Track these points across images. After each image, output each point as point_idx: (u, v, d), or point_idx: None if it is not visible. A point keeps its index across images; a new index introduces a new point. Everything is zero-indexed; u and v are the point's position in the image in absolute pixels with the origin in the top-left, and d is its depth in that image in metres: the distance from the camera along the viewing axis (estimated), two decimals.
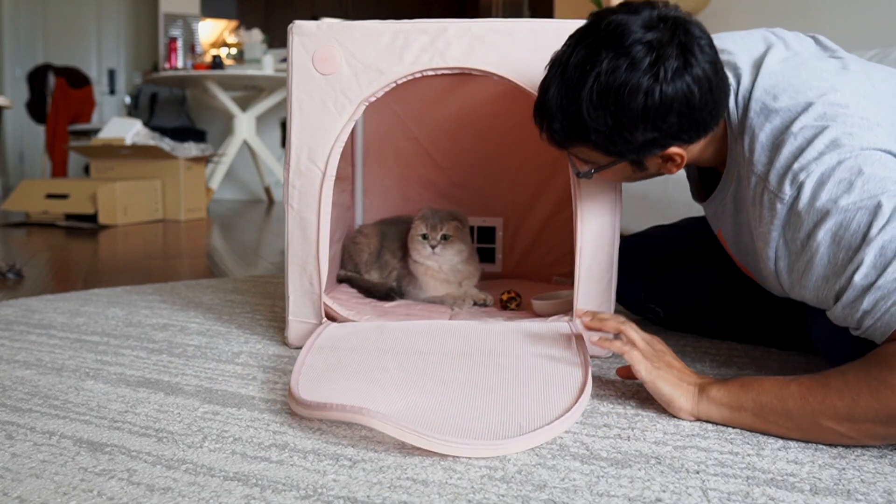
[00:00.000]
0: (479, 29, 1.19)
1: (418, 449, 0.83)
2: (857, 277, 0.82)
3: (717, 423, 0.91)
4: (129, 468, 0.78)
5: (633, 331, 1.00)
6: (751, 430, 0.89)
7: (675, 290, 1.41)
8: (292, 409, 0.94)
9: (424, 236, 1.46)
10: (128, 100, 6.11)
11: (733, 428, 0.90)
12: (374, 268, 1.59)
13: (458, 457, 0.81)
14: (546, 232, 1.76)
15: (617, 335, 1.03)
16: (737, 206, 1.02)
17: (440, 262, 1.48)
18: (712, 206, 1.10)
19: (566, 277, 1.69)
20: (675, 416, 0.94)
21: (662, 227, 1.55)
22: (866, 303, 0.82)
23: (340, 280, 1.61)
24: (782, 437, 0.87)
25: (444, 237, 1.46)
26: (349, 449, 0.84)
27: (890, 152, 0.85)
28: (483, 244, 1.80)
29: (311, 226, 1.23)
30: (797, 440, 0.86)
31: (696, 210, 1.29)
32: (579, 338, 1.13)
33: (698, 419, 0.93)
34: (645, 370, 0.95)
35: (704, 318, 1.37)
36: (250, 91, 5.64)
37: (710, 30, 0.96)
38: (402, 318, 1.33)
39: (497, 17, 6.14)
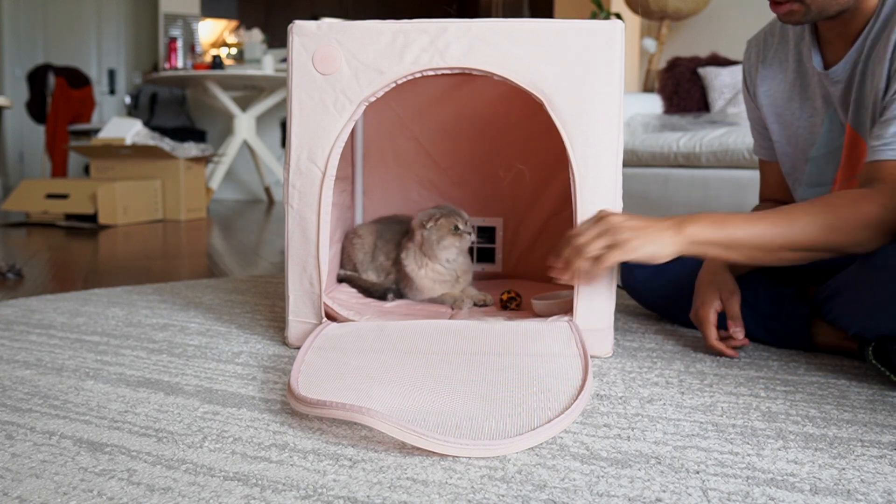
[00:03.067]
0: (479, 29, 1.19)
1: (418, 449, 0.83)
2: None
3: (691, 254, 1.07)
4: (129, 468, 0.78)
5: (588, 241, 1.09)
6: (715, 257, 1.08)
7: (677, 287, 1.41)
8: (291, 406, 0.94)
9: (457, 228, 1.46)
10: (128, 100, 6.11)
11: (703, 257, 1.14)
12: (371, 268, 1.59)
13: (457, 457, 0.81)
14: (546, 232, 1.76)
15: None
16: (869, 52, 1.10)
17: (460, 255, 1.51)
18: (843, 69, 1.15)
19: None
20: (675, 415, 0.94)
21: None
22: None
23: (340, 280, 1.61)
24: (739, 262, 1.12)
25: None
26: (349, 449, 0.84)
27: None
28: (483, 244, 1.80)
29: (311, 226, 1.23)
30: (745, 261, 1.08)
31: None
32: (579, 337, 1.13)
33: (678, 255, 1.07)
34: (626, 255, 1.06)
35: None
36: (250, 91, 5.64)
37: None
38: (402, 318, 1.33)
39: (497, 17, 6.14)
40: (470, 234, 1.47)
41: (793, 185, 1.34)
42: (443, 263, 1.48)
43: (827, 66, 1.19)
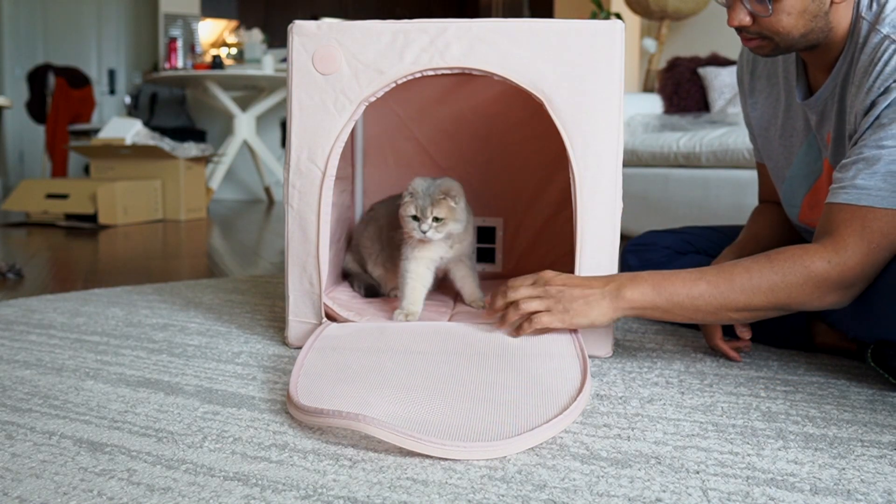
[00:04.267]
0: (479, 29, 1.19)
1: None
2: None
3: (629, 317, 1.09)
4: (129, 468, 0.78)
5: (524, 298, 1.09)
6: (656, 320, 1.07)
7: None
8: (290, 413, 0.94)
9: (415, 217, 1.31)
10: (128, 100, 6.11)
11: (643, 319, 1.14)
12: (380, 259, 1.55)
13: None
14: (546, 232, 1.76)
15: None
16: (843, 86, 1.08)
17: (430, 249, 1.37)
18: (819, 100, 1.13)
19: None
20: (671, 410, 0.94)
21: (658, 232, 1.54)
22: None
23: (345, 273, 1.60)
24: (680, 324, 1.19)
25: (437, 219, 1.31)
26: (349, 449, 0.84)
27: None
28: (483, 244, 1.80)
29: (311, 226, 1.23)
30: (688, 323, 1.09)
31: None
32: (578, 338, 1.13)
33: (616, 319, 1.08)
34: (561, 323, 1.05)
35: None
36: (250, 91, 5.64)
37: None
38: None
39: (497, 17, 6.14)
40: (425, 233, 1.29)
41: (780, 197, 1.33)
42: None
43: (811, 90, 1.17)
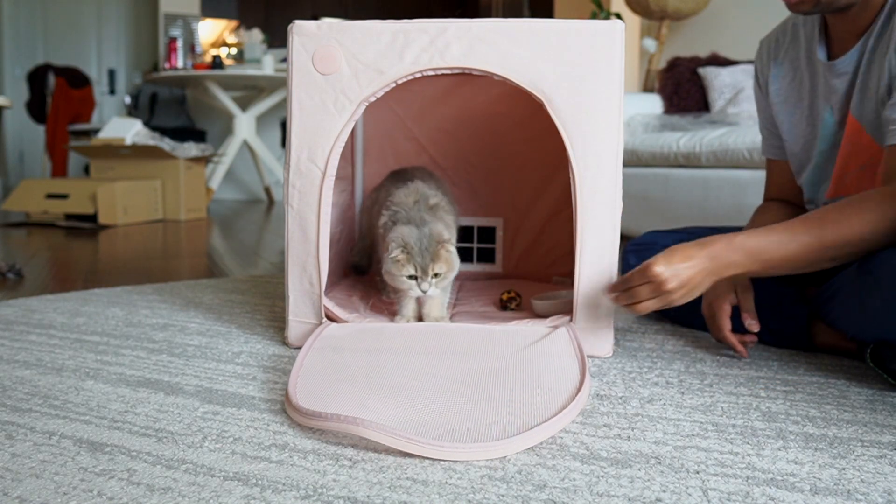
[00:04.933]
0: (479, 29, 1.19)
1: None
2: None
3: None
4: (129, 468, 0.78)
5: (637, 296, 1.10)
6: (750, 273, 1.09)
7: None
8: (289, 415, 0.94)
9: (412, 277, 1.24)
10: (128, 100, 6.11)
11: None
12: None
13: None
14: (546, 232, 1.76)
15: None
16: (875, 47, 1.12)
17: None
18: (849, 61, 1.16)
19: (566, 277, 1.69)
20: (676, 411, 0.94)
21: (659, 232, 1.55)
22: None
23: (353, 265, 1.62)
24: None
25: (436, 275, 1.25)
26: (349, 449, 0.84)
27: None
28: (483, 244, 1.80)
29: (311, 226, 1.23)
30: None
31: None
32: (576, 339, 1.14)
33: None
34: (668, 306, 1.09)
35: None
36: (250, 91, 5.64)
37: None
38: None
39: (497, 17, 6.14)
40: (425, 292, 1.24)
41: (802, 183, 1.34)
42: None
43: (832, 59, 1.21)
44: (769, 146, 1.42)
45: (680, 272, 1.06)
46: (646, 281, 1.07)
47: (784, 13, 1.29)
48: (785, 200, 1.40)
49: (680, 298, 1.08)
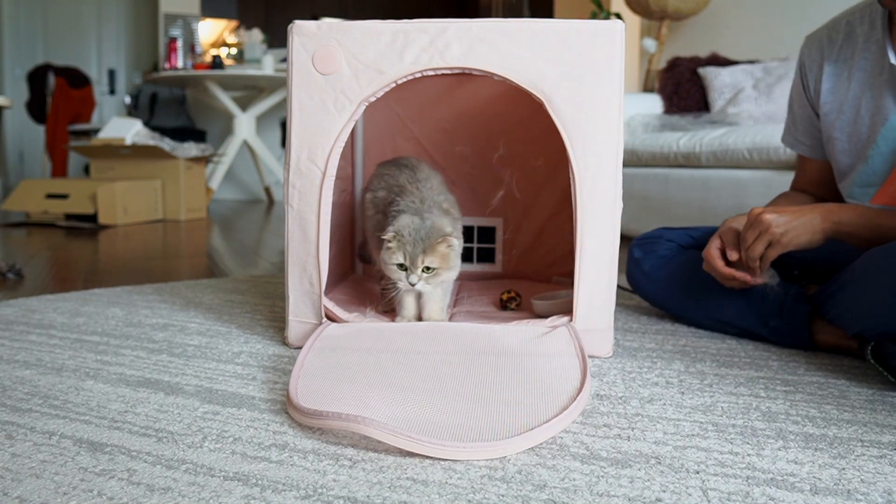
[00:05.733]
0: (479, 29, 1.19)
1: None
2: None
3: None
4: (129, 468, 0.78)
5: (753, 249, 1.18)
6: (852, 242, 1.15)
7: (682, 278, 1.42)
8: (290, 415, 0.94)
9: (401, 266, 1.20)
10: (128, 100, 6.11)
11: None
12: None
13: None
14: (546, 232, 1.76)
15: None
16: None
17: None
18: None
19: (566, 277, 1.69)
20: (679, 413, 0.94)
21: (666, 228, 1.56)
22: None
23: (361, 257, 1.63)
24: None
25: (428, 269, 1.21)
26: (349, 449, 0.84)
27: None
28: (483, 244, 1.80)
29: (311, 226, 1.23)
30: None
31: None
32: (577, 339, 1.14)
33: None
34: (784, 249, 1.15)
35: (707, 308, 1.39)
36: (250, 91, 5.64)
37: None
38: None
39: (497, 17, 6.14)
40: (413, 285, 1.20)
41: (846, 184, 1.33)
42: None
43: None
44: (801, 144, 1.42)
45: (783, 213, 1.15)
46: (756, 231, 1.16)
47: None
48: (814, 194, 1.42)
49: (790, 238, 1.15)
